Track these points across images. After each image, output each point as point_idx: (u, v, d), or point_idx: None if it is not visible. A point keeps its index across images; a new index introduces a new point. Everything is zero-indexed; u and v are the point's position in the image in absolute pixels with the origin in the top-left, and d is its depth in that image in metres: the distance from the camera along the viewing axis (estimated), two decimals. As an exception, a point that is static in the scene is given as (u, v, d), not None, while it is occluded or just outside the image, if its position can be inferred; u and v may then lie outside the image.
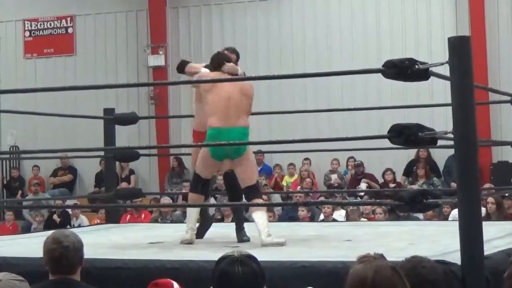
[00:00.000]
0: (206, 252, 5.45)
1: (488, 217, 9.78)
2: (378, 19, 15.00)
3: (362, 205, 11.58)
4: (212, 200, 11.61)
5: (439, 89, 12.66)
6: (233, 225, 6.63)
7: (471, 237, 4.48)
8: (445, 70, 4.75)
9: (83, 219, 14.07)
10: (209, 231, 6.76)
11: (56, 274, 3.81)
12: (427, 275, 3.43)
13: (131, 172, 15.89)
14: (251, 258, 3.22)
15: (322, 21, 15.34)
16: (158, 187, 15.82)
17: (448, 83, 4.70)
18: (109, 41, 16.73)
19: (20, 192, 16.46)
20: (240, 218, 6.64)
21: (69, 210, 14.30)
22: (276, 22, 15.69)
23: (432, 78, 4.82)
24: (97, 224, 10.35)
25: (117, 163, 11.03)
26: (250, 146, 6.47)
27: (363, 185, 14.00)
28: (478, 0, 14.24)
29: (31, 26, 17.23)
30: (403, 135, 4.74)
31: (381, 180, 14.15)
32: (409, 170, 14.12)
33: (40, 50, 17.14)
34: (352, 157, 14.52)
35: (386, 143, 5.09)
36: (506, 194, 10.51)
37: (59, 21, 17.07)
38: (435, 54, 13.30)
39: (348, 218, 11.70)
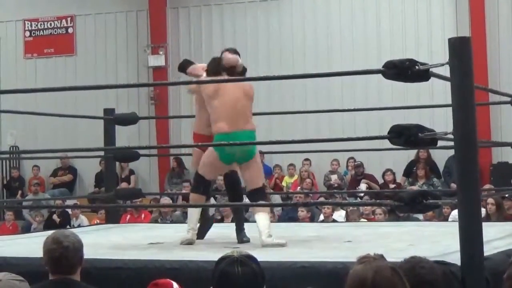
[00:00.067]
0: (206, 253, 5.45)
1: (488, 218, 9.78)
2: (379, 19, 15.00)
3: (362, 206, 11.59)
4: (212, 201, 11.61)
5: (439, 90, 12.67)
6: (233, 225, 6.63)
7: (471, 238, 4.48)
8: (446, 71, 4.75)
9: (83, 219, 14.07)
10: (209, 232, 6.76)
11: (56, 274, 3.82)
12: (426, 276, 3.43)
13: (131, 172, 15.89)
14: (251, 258, 3.22)
15: (322, 22, 15.34)
16: (158, 187, 15.82)
17: (448, 83, 4.70)
18: (109, 41, 16.73)
19: (20, 192, 16.46)
20: (240, 219, 6.63)
21: (69, 210, 14.30)
22: (276, 22, 15.69)
23: (432, 79, 4.82)
24: (97, 224, 10.35)
25: (117, 163, 11.04)
26: (258, 149, 6.46)
27: (363, 186, 14.00)
28: (478, 0, 14.25)
29: (31, 26, 17.23)
30: (403, 135, 4.74)
31: (381, 181, 14.15)
32: (409, 171, 14.12)
33: (40, 50, 17.15)
34: (352, 158, 14.53)
35: (386, 143, 5.09)
36: (506, 195, 10.52)
37: (59, 21, 17.07)
38: (436, 54, 13.30)
39: (348, 218, 11.71)
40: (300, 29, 15.48)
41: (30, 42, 17.27)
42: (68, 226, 13.34)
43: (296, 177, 14.72)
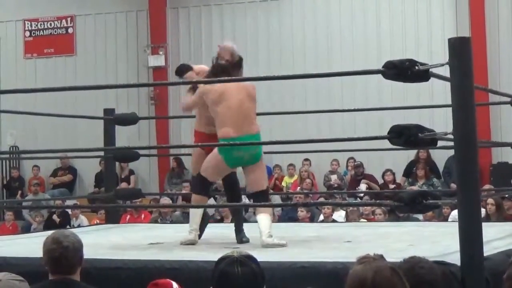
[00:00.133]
0: (206, 253, 5.45)
1: (488, 218, 9.78)
2: (379, 19, 15.00)
3: (361, 206, 11.59)
4: (211, 201, 11.61)
5: (439, 90, 12.67)
6: (232, 226, 6.62)
7: (470, 238, 4.48)
8: (445, 71, 4.75)
9: (83, 219, 14.07)
10: (208, 232, 6.75)
11: (55, 274, 3.82)
12: (425, 276, 3.43)
13: (131, 172, 15.90)
14: (251, 258, 3.22)
15: (322, 22, 15.34)
16: (158, 188, 15.82)
17: (448, 84, 4.70)
18: (109, 41, 16.73)
19: (20, 192, 16.47)
20: (240, 219, 6.63)
21: (69, 210, 14.30)
22: (276, 22, 15.70)
23: (432, 79, 4.82)
24: (97, 224, 10.35)
25: (117, 163, 11.04)
26: (262, 152, 6.45)
27: (363, 186, 14.00)
28: (478, 1, 14.25)
29: (31, 26, 17.24)
30: (403, 136, 4.74)
31: (381, 181, 14.15)
32: (409, 171, 14.12)
33: (40, 50, 17.15)
34: (352, 158, 14.53)
35: (386, 144, 5.08)
36: (506, 195, 10.52)
37: (59, 21, 17.07)
38: (435, 55, 13.30)
39: (347, 219, 11.71)
40: (300, 29, 15.48)
41: (30, 42, 17.27)
42: (68, 226, 13.33)
43: (296, 177, 14.72)
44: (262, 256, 3.70)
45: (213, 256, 3.75)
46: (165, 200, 13.37)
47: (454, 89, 4.62)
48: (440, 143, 5.07)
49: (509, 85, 13.55)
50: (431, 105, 12.40)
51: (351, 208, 11.62)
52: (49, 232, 4.07)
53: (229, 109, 6.17)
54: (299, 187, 14.13)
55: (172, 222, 12.08)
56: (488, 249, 4.81)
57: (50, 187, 16.55)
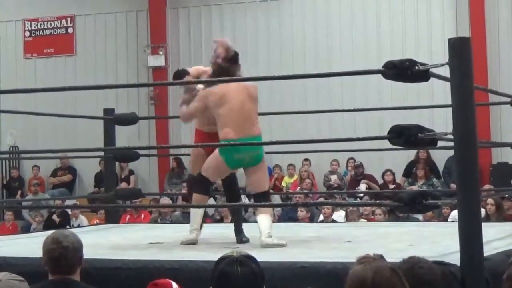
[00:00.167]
0: (206, 253, 5.44)
1: (488, 218, 9.78)
2: (378, 19, 15.01)
3: (361, 206, 11.59)
4: (211, 201, 11.60)
5: (439, 90, 12.67)
6: (232, 226, 6.62)
7: (470, 238, 4.48)
8: (445, 71, 4.74)
9: (83, 219, 14.07)
10: (208, 232, 6.75)
11: (55, 274, 3.82)
12: (424, 276, 3.43)
13: (131, 172, 15.90)
14: (251, 258, 3.22)
15: (322, 22, 15.34)
16: (158, 188, 15.82)
17: (448, 84, 4.70)
18: (109, 41, 16.73)
19: (19, 192, 16.47)
20: (239, 219, 6.63)
21: (69, 210, 14.31)
22: (276, 22, 15.70)
23: (432, 79, 4.82)
24: (97, 224, 10.35)
25: (117, 163, 11.04)
26: (264, 153, 6.44)
27: (362, 186, 14.00)
28: (478, 1, 14.26)
29: (31, 26, 17.24)
30: (403, 136, 4.74)
31: (380, 181, 14.15)
32: (409, 171, 14.13)
33: (40, 50, 17.15)
34: (352, 158, 14.53)
35: (386, 144, 5.08)
36: (506, 196, 10.52)
37: (59, 21, 17.07)
38: (435, 55, 13.30)
39: (347, 219, 11.71)
40: (300, 30, 15.48)
41: (30, 42, 17.27)
42: (67, 226, 13.34)
43: (295, 177, 14.72)
44: (262, 256, 3.70)
45: (213, 256, 3.74)
46: (165, 200, 13.37)
47: (454, 89, 4.62)
48: (440, 143, 5.07)
49: (509, 85, 13.55)
50: (431, 105, 12.40)
51: (351, 208, 11.62)
52: (49, 232, 4.07)
53: (231, 111, 6.15)
54: (299, 187, 14.13)
55: (172, 222, 12.09)
56: (488, 249, 4.81)
57: (50, 187, 16.55)
